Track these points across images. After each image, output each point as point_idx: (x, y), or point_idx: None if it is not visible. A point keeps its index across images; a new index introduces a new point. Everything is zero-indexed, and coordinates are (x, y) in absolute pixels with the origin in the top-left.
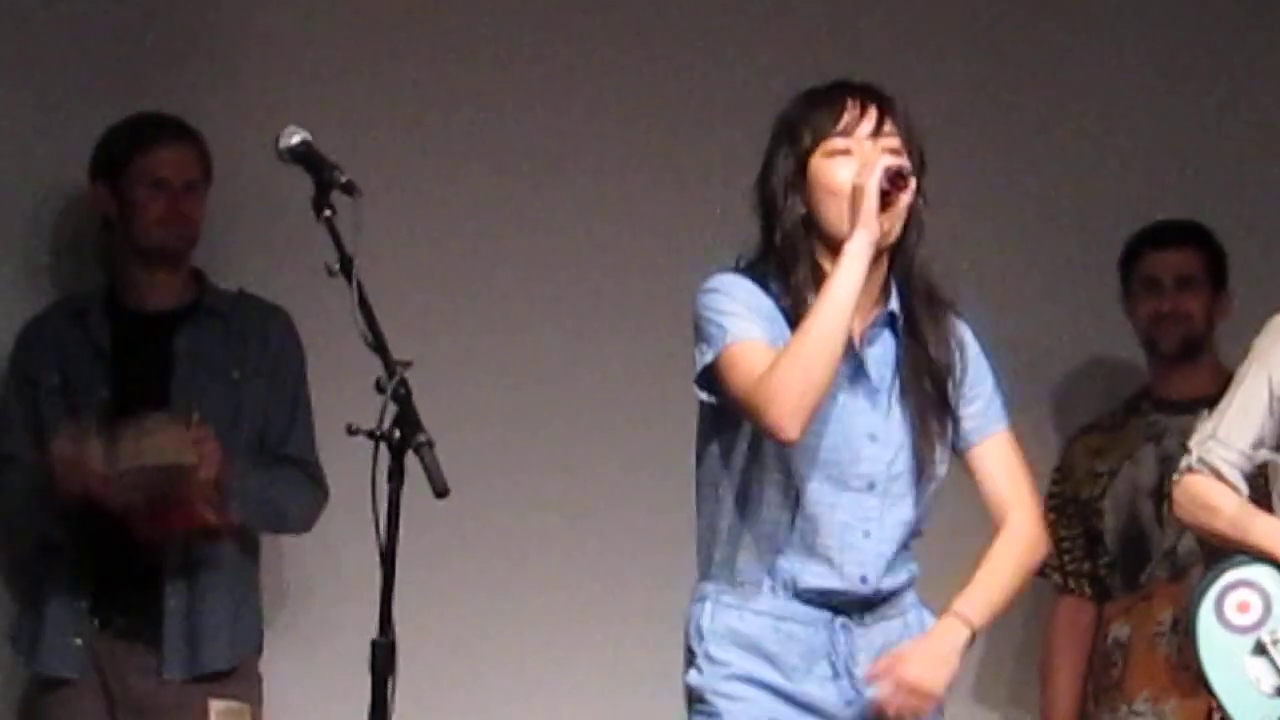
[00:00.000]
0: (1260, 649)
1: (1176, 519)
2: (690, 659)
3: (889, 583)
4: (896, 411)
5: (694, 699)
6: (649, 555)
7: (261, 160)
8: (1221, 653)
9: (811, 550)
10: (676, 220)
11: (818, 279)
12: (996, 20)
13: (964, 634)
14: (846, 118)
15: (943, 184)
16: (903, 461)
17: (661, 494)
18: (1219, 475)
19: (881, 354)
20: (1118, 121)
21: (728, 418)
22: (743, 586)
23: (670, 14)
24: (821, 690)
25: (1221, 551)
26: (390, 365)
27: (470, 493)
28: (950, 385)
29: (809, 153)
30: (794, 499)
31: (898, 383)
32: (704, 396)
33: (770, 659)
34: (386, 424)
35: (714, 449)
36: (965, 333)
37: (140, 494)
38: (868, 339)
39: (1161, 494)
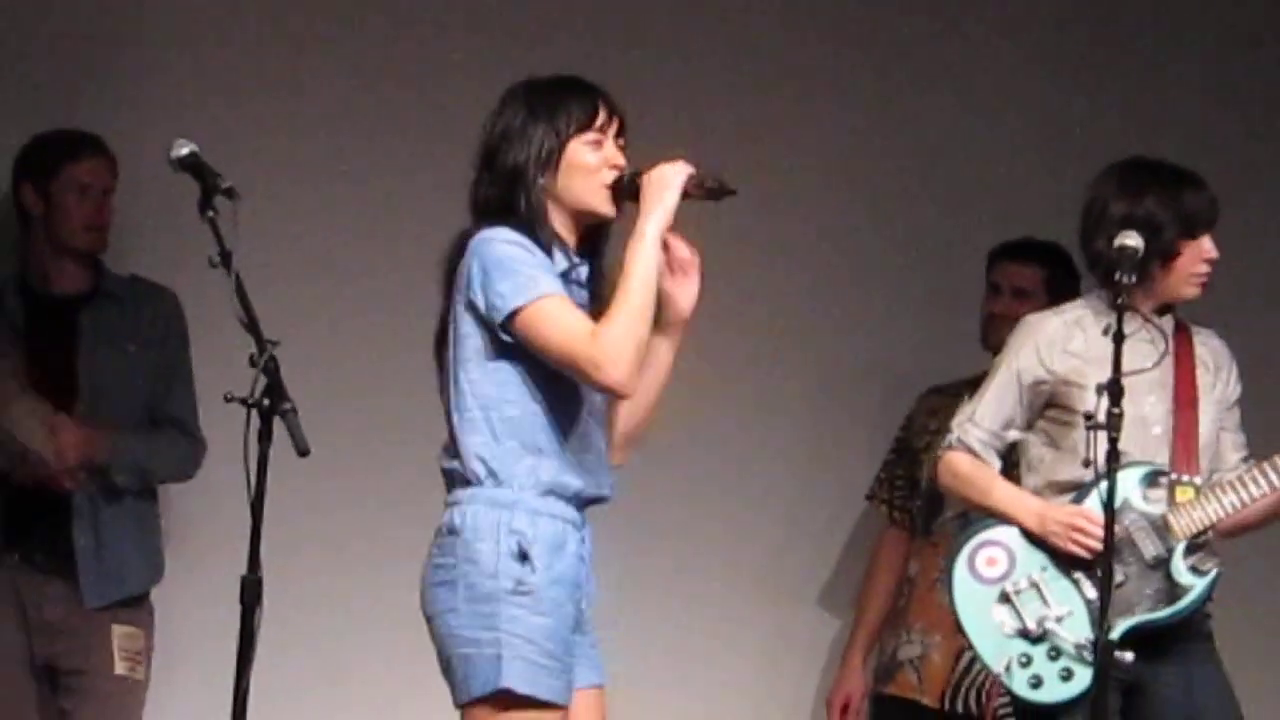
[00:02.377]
0: (1004, 598)
1: (940, 487)
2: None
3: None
4: None
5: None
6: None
7: (156, 166)
8: (972, 601)
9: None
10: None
11: (560, 243)
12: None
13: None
14: (601, 116)
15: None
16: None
17: None
18: (973, 452)
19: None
20: (990, 149)
21: (512, 353)
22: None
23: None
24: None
25: (975, 515)
26: (261, 343)
27: (328, 452)
28: None
29: (568, 137)
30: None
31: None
32: (505, 337)
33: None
34: (258, 393)
35: (492, 373)
36: None
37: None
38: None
39: None
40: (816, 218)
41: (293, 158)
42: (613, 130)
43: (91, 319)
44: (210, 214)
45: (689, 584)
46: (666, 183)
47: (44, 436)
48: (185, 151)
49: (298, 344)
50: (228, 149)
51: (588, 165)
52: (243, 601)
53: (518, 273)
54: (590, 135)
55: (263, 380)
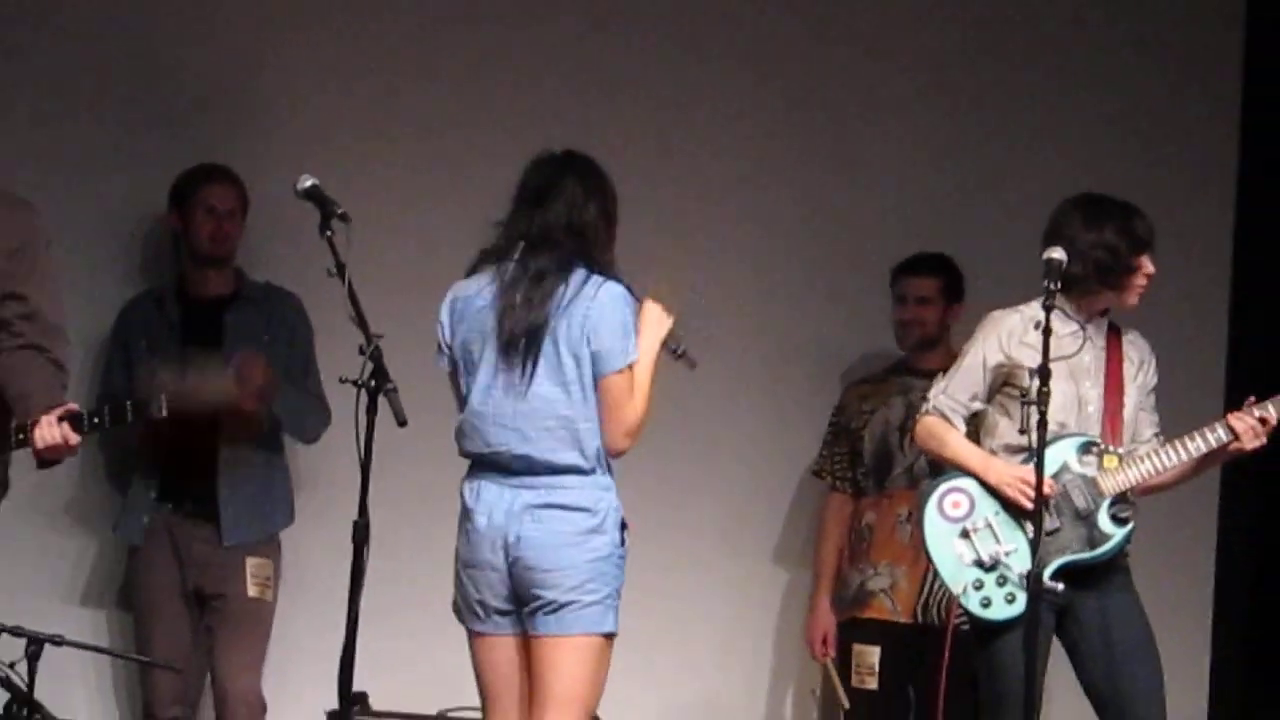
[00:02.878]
0: (964, 534)
1: (916, 445)
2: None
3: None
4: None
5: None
6: None
7: (284, 194)
8: (939, 535)
9: None
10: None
11: None
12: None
13: None
14: None
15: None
16: None
17: None
18: (944, 417)
19: None
20: (895, 177)
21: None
22: None
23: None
24: None
25: (942, 467)
26: (369, 336)
27: (420, 422)
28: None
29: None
30: None
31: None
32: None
33: None
34: (366, 376)
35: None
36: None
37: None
38: None
39: (904, 428)
40: (785, 238)
41: (389, 188)
42: None
43: (233, 318)
44: (328, 234)
45: (664, 541)
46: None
47: (224, 385)
48: (308, 184)
49: (396, 337)
50: (340, 177)
51: None
52: (354, 541)
53: (629, 333)
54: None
55: (370, 365)
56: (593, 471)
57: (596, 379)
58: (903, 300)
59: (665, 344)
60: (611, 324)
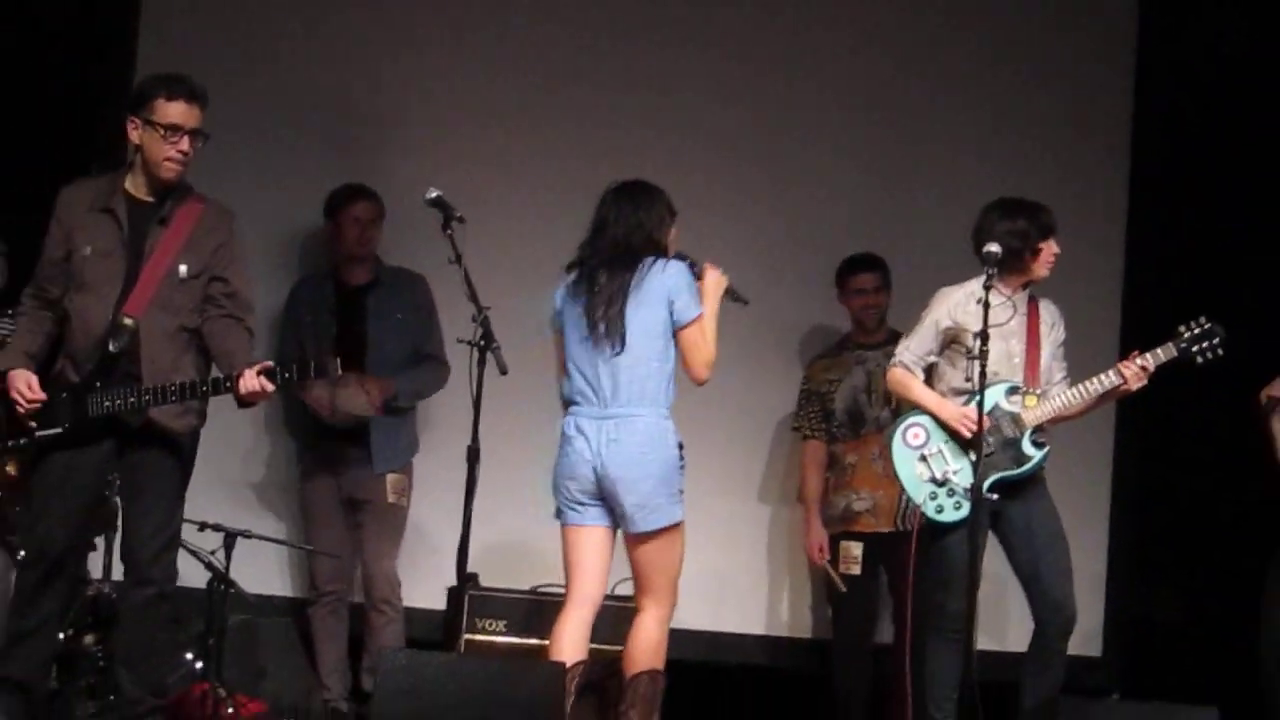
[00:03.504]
0: (923, 459)
1: (888, 389)
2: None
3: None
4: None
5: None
6: None
7: (414, 203)
8: (904, 459)
9: None
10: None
11: None
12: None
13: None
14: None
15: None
16: None
17: None
18: (908, 369)
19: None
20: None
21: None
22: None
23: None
24: None
25: (901, 409)
26: (479, 308)
27: (519, 374)
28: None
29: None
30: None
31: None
32: (691, 328)
33: None
34: (476, 337)
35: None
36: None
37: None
38: None
39: (869, 390)
40: (793, 230)
41: (498, 200)
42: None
43: (374, 299)
44: (448, 232)
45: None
46: (714, 286)
47: (363, 401)
48: (434, 195)
49: (499, 309)
50: (458, 188)
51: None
52: (468, 460)
53: (693, 286)
54: (672, 228)
55: (479, 330)
56: (655, 407)
57: (675, 332)
58: (861, 291)
59: (726, 293)
60: (681, 290)
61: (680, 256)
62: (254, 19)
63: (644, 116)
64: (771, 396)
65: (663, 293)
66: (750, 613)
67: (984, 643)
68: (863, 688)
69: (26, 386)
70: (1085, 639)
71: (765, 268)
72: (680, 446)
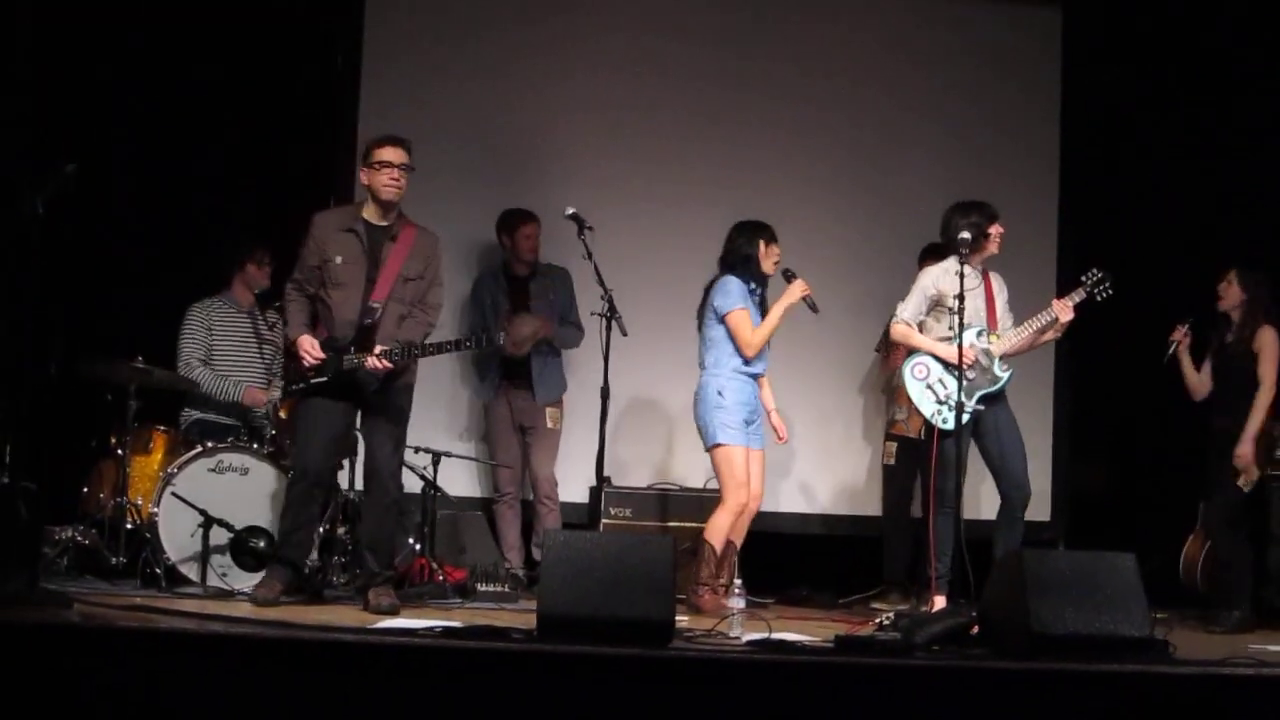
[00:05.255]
0: (928, 386)
1: (892, 341)
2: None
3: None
4: None
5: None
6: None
7: (555, 218)
8: (914, 387)
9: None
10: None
11: (756, 282)
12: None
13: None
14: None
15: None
16: None
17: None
18: (907, 324)
19: None
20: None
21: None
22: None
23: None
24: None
25: (910, 351)
26: (605, 289)
27: (639, 333)
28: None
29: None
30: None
31: None
32: (720, 324)
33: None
34: (605, 310)
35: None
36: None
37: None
38: None
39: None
40: (837, 223)
41: (625, 215)
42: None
43: (535, 286)
44: (582, 237)
45: (793, 389)
46: (794, 291)
47: (536, 325)
48: (570, 211)
49: (621, 290)
50: (595, 203)
51: (767, 260)
52: (602, 396)
53: (730, 293)
54: (774, 248)
55: (606, 305)
56: (705, 368)
57: (724, 321)
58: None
59: (802, 299)
60: (723, 295)
61: (738, 275)
62: (449, 89)
63: (750, 158)
64: (860, 336)
65: (713, 296)
66: (836, 496)
67: (968, 514)
68: (905, 549)
69: (311, 347)
70: (1037, 507)
71: (845, 250)
72: (720, 393)
